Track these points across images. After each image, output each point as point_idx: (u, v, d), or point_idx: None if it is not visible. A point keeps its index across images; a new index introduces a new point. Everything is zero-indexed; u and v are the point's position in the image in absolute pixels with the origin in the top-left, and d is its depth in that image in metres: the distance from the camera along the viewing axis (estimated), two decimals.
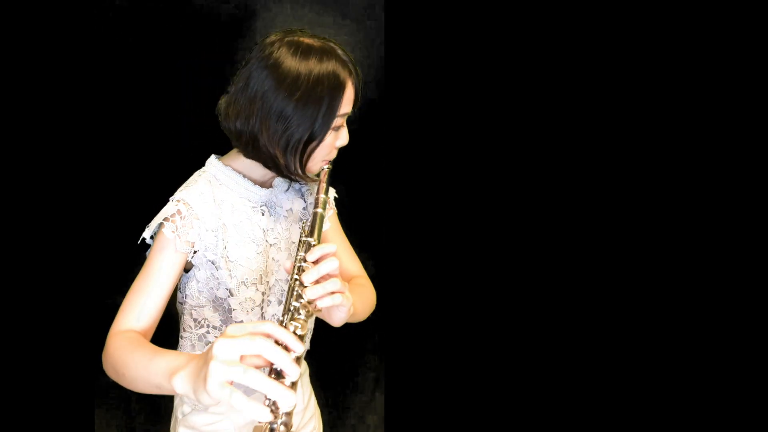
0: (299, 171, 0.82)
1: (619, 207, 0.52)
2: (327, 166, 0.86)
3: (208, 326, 0.87)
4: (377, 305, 0.98)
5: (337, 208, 1.03)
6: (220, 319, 0.87)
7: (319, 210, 0.79)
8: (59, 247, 0.62)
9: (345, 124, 0.85)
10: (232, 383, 0.53)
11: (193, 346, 0.88)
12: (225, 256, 0.83)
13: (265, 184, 0.90)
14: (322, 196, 0.81)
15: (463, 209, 0.65)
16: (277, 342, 0.57)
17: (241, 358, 0.54)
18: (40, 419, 0.59)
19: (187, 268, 0.86)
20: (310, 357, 1.02)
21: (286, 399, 0.53)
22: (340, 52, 0.80)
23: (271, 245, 0.89)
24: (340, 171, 0.94)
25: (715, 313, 0.49)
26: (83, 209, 0.68)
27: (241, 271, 0.85)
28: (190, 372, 0.58)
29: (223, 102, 0.82)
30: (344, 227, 1.04)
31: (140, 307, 0.76)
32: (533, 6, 0.57)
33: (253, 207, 0.87)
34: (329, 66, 0.78)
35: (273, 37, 0.80)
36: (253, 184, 0.87)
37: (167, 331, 0.85)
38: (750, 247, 0.48)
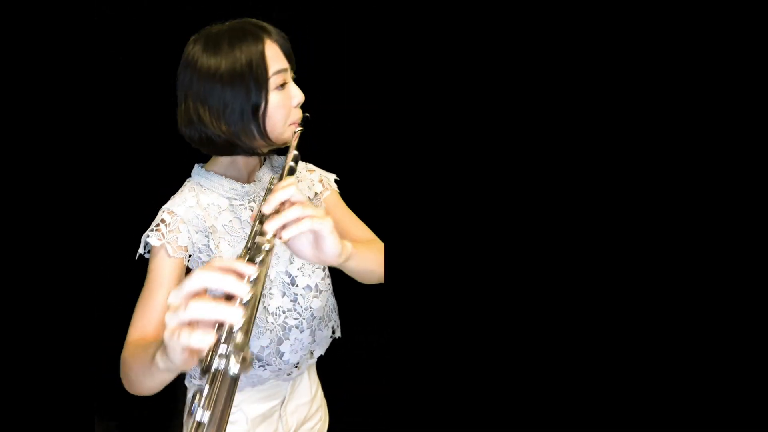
0: (262, 139, 0.82)
1: (614, 205, 0.52)
2: (297, 129, 0.84)
3: None
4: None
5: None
6: None
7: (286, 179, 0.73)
8: (59, 248, 0.62)
9: (290, 81, 0.84)
10: (189, 324, 0.51)
11: None
12: (219, 256, 0.84)
13: (249, 179, 0.91)
14: (290, 164, 0.76)
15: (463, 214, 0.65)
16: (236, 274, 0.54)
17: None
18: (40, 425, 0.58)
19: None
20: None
21: (227, 314, 0.50)
22: (248, 23, 0.81)
23: None
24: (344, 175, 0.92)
25: (715, 312, 0.49)
26: (83, 209, 0.68)
27: None
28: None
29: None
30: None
31: (146, 317, 0.77)
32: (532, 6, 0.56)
33: (241, 204, 0.89)
34: (241, 40, 0.79)
35: (190, 39, 0.83)
36: (234, 181, 0.88)
37: None
38: (750, 247, 0.48)
